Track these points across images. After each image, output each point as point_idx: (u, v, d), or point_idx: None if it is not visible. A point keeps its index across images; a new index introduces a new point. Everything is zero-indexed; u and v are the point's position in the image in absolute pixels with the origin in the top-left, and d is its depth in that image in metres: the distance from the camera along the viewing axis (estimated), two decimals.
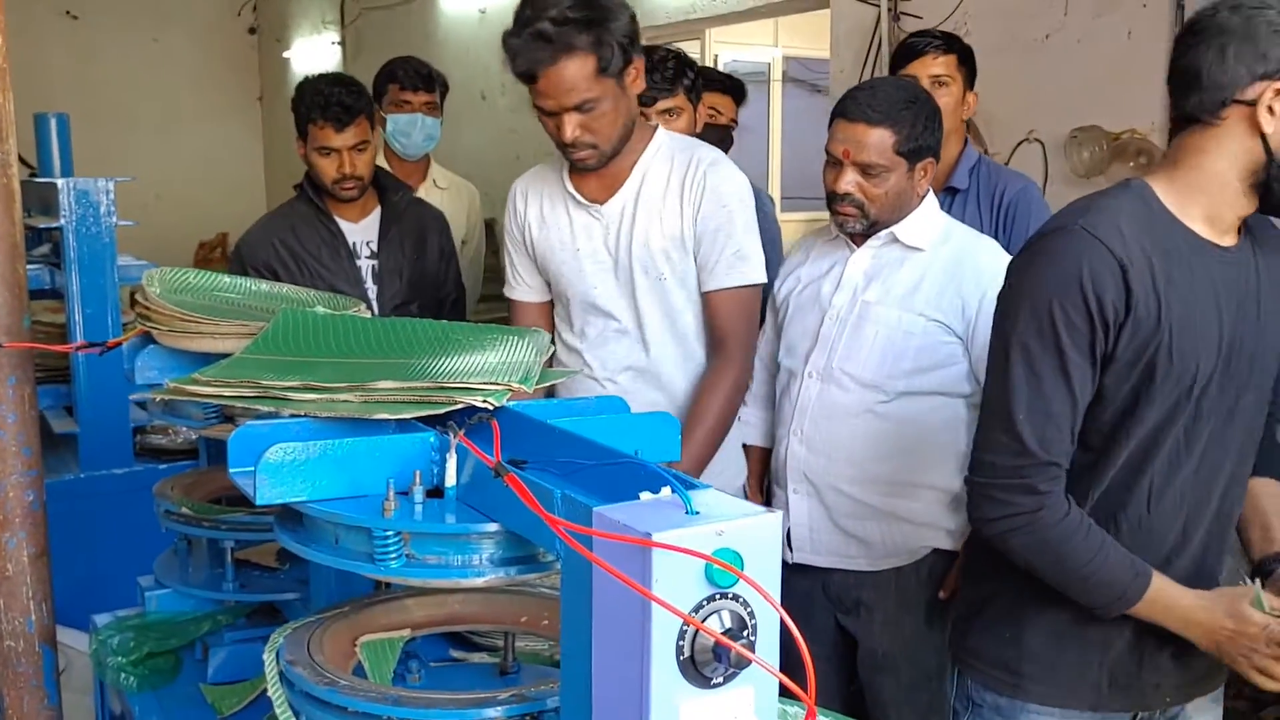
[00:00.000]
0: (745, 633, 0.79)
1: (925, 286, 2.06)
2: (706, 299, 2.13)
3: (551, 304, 2.28)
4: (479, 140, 6.09)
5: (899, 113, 2.02)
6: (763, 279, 2.14)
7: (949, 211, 2.70)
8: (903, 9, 4.21)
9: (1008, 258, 1.66)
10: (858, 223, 2.09)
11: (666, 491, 0.85)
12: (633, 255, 2.12)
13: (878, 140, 2.02)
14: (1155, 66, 3.44)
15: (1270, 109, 1.43)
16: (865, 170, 2.04)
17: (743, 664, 0.79)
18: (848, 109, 2.04)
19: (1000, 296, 1.56)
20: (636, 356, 2.16)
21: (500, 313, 2.65)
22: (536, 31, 1.92)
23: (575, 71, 1.94)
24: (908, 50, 2.77)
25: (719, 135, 3.08)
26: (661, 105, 2.61)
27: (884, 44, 4.15)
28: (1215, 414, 1.52)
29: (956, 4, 4.00)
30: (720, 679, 0.80)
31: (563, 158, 2.11)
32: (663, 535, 0.76)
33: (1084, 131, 3.53)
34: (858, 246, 2.16)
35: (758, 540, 0.80)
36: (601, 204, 2.13)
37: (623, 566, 0.78)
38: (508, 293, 2.30)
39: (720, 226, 2.09)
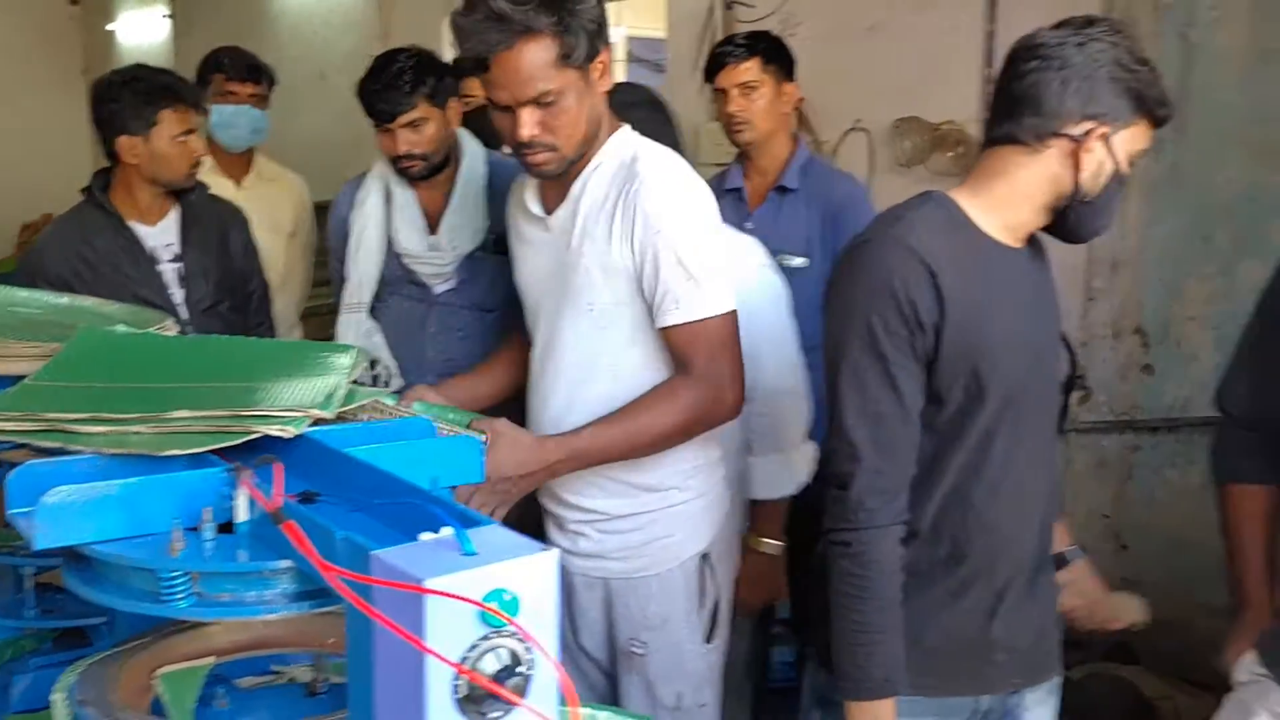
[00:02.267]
0: (521, 668, 0.82)
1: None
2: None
3: None
4: (318, 121, 5.94)
5: None
6: (714, 311, 1.85)
7: (779, 210, 2.79)
8: None
9: None
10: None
11: (448, 532, 0.87)
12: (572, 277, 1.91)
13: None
14: (971, 62, 3.60)
15: (1091, 149, 1.51)
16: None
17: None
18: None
19: (824, 311, 1.62)
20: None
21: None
22: (491, 10, 1.71)
23: (535, 58, 1.73)
24: (715, 62, 2.83)
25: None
26: (402, 120, 2.42)
27: (719, 31, 4.21)
28: (1037, 406, 1.63)
29: None
30: (498, 714, 0.82)
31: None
32: (435, 582, 0.78)
33: (905, 122, 3.67)
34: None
35: (534, 579, 0.83)
36: (549, 214, 1.95)
37: (398, 612, 0.79)
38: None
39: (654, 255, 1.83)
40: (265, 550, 1.01)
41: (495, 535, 0.87)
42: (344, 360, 1.35)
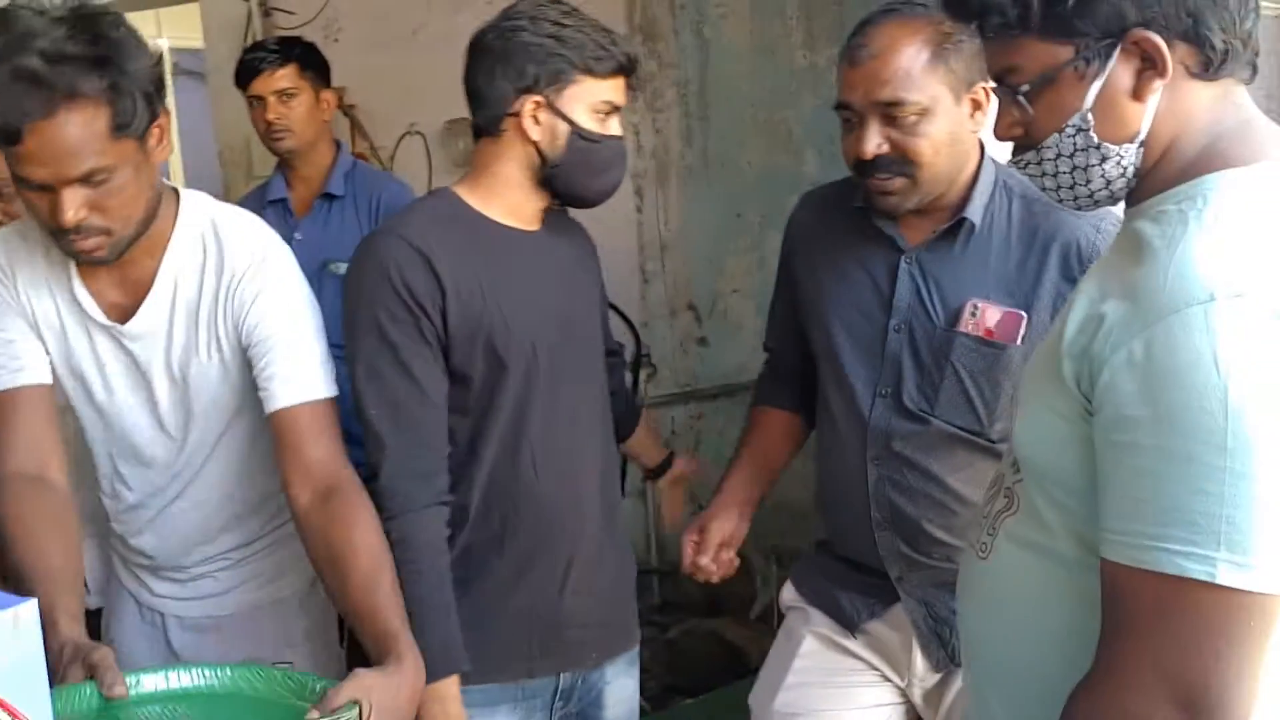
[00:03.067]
0: None
1: None
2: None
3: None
4: None
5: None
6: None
7: (328, 218, 2.74)
8: (272, 4, 4.16)
9: None
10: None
11: None
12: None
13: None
14: None
15: (535, 118, 1.62)
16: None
17: None
18: None
19: (343, 311, 1.61)
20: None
21: None
22: (22, 69, 1.37)
23: (82, 129, 1.40)
24: (247, 69, 2.76)
25: None
26: None
27: (258, 36, 4.08)
28: (572, 377, 1.71)
29: (325, 1, 4.01)
30: None
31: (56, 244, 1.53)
32: None
33: (456, 123, 3.72)
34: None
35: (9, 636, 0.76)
36: (122, 323, 1.61)
37: None
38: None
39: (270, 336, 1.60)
40: None
41: None
42: None
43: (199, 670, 1.31)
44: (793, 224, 1.87)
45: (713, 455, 3.95)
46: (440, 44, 3.83)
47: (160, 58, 1.53)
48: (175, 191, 1.63)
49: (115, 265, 1.56)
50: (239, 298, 1.58)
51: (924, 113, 1.55)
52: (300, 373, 1.57)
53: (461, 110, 1.68)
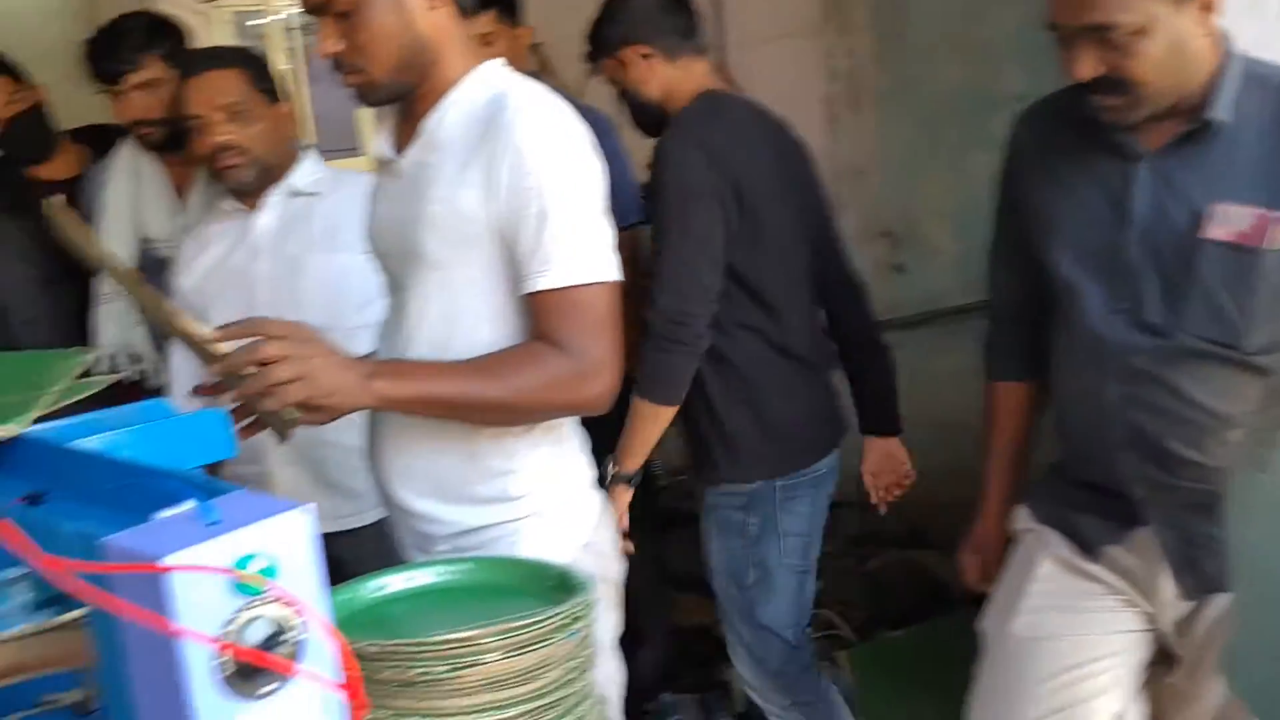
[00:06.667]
0: (288, 635, 0.77)
1: (345, 225, 2.05)
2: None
3: None
4: None
5: (236, 55, 2.15)
6: (593, 278, 1.51)
7: None
8: None
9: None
10: (246, 171, 2.14)
11: (190, 505, 0.80)
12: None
13: (232, 81, 2.10)
14: None
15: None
16: (233, 114, 2.09)
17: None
18: (188, 66, 2.16)
19: None
20: None
21: None
22: None
23: None
24: None
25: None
26: (132, 80, 2.33)
27: None
28: None
29: None
30: (273, 685, 0.77)
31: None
32: (175, 557, 0.72)
33: None
34: (253, 209, 2.18)
35: (290, 541, 0.78)
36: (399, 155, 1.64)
37: (141, 597, 0.73)
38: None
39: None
40: None
41: (243, 501, 0.81)
42: (68, 362, 1.23)
43: (444, 566, 1.35)
44: (1014, 142, 1.77)
45: (910, 386, 3.85)
46: None
47: None
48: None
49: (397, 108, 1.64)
50: (510, 149, 1.49)
51: (1140, 32, 1.44)
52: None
53: None
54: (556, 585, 1.27)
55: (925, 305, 3.69)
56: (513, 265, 1.52)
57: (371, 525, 2.06)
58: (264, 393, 1.35)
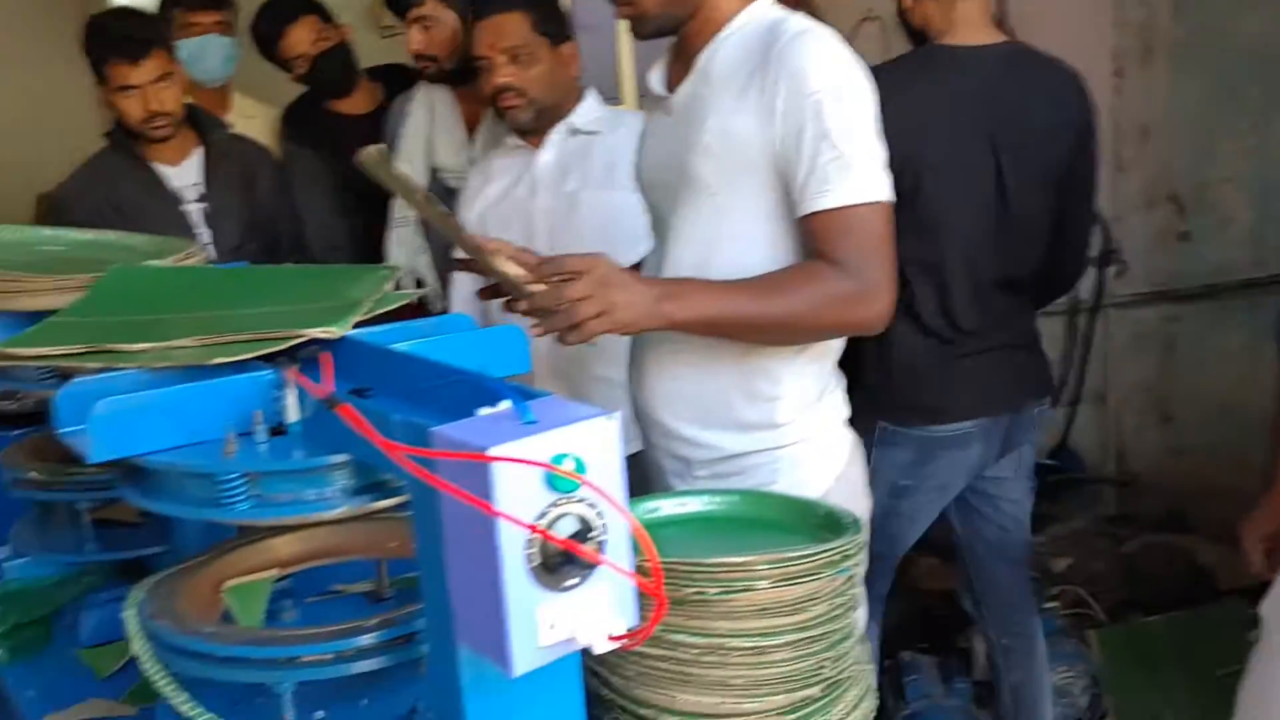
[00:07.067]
0: (593, 534, 0.80)
1: (621, 163, 2.06)
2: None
3: None
4: None
5: None
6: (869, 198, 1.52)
7: None
8: None
9: None
10: (525, 112, 2.21)
11: (506, 405, 0.85)
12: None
13: (515, 24, 2.16)
14: None
15: None
16: (514, 57, 2.16)
17: (593, 565, 0.81)
18: (478, 9, 2.22)
19: None
20: None
21: None
22: None
23: None
24: None
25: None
26: (412, 14, 2.51)
27: None
28: None
29: None
30: (574, 580, 0.81)
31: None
32: (500, 448, 0.76)
33: None
34: (536, 146, 2.25)
35: (597, 444, 0.81)
36: (671, 92, 1.69)
37: (464, 484, 0.78)
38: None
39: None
40: (320, 448, 1.00)
41: (554, 405, 0.85)
42: (378, 276, 1.33)
43: (715, 496, 1.38)
44: None
45: (1187, 362, 3.63)
46: None
47: None
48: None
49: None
50: (786, 71, 1.51)
51: None
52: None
53: None
54: (823, 524, 1.28)
55: (1210, 278, 3.46)
56: (786, 189, 1.54)
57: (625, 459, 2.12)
58: (570, 328, 1.42)
